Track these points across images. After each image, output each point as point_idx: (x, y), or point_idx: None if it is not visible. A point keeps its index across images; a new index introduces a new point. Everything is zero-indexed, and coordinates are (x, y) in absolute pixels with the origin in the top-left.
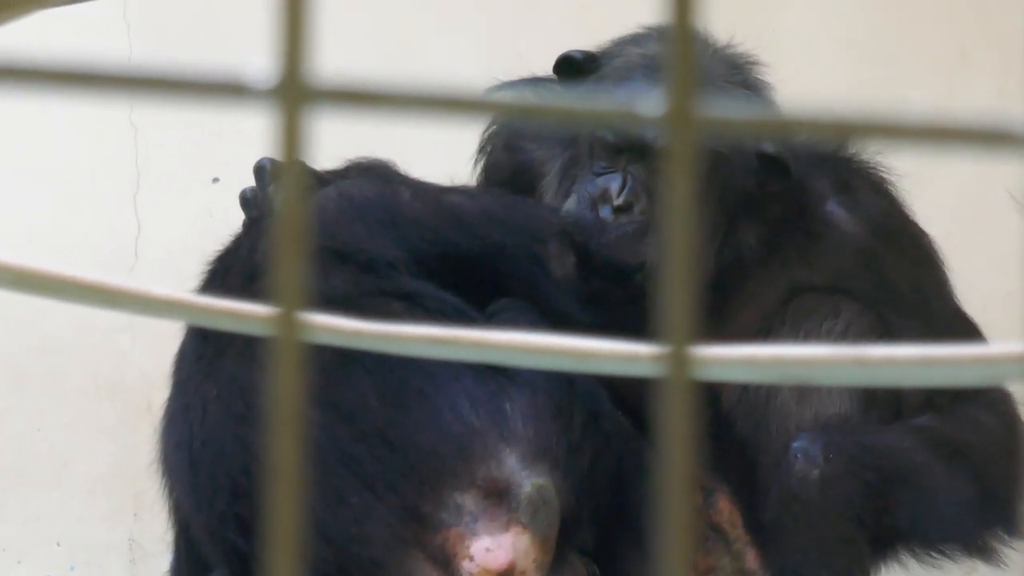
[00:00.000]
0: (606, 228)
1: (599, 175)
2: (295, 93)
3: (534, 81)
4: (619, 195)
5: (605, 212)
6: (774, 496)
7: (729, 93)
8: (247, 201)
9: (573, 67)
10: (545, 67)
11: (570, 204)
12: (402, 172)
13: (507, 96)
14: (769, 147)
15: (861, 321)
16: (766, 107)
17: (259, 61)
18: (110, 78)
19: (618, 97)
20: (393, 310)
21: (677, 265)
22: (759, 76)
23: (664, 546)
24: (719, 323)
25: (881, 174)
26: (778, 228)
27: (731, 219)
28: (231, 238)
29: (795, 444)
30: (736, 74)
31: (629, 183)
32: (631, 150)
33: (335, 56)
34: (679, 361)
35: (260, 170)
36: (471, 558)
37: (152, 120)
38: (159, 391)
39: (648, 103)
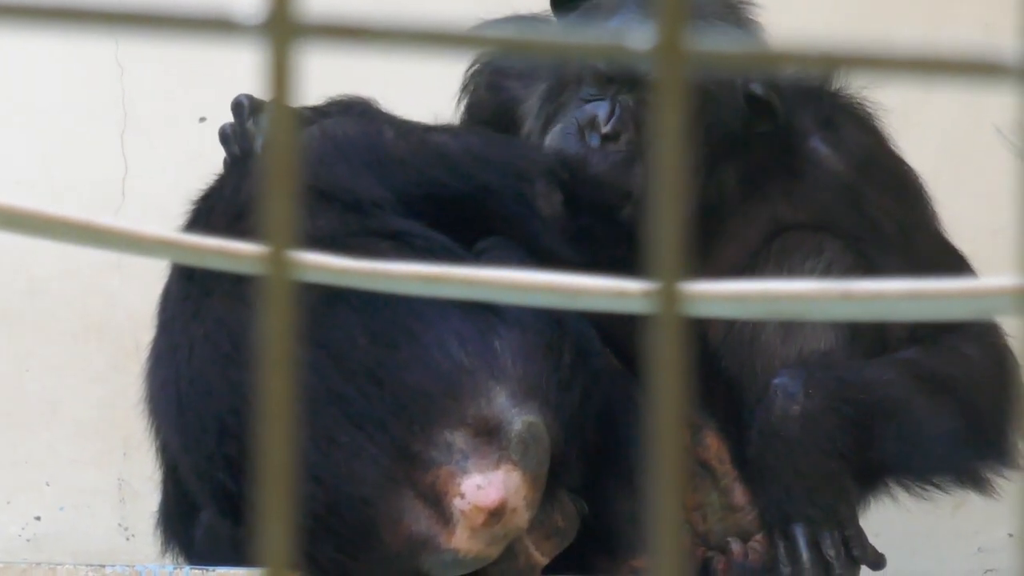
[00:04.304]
0: (591, 159)
1: (587, 101)
2: (284, 28)
3: (518, 19)
4: (607, 123)
5: (593, 139)
6: (756, 433)
7: (719, 28)
8: (226, 137)
9: None
10: (529, 6)
11: (555, 129)
12: (384, 110)
13: (493, 32)
14: (758, 88)
15: (844, 258)
16: (755, 42)
17: None
18: (95, 14)
19: (609, 28)
20: (380, 249)
21: (666, 200)
22: (750, 14)
23: (655, 483)
24: (703, 261)
25: (867, 109)
26: (761, 165)
27: (715, 158)
28: (215, 177)
29: (776, 381)
30: (726, 11)
31: (617, 111)
32: (621, 80)
33: None
34: (669, 297)
35: (238, 106)
36: (462, 496)
37: (138, 60)
38: (148, 332)
39: (638, 36)
